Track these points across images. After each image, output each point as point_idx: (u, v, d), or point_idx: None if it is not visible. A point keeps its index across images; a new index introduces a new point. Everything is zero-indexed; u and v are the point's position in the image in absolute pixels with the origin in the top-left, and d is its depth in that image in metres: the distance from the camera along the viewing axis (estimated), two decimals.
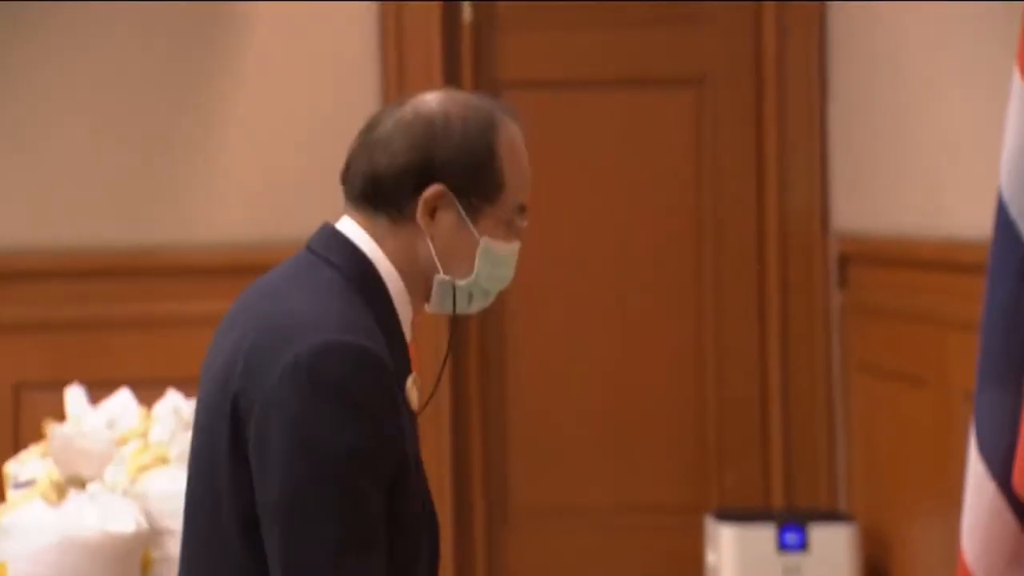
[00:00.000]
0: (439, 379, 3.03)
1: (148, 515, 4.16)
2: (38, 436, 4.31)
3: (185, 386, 4.54)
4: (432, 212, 2.81)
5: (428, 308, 2.91)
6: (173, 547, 4.16)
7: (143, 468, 4.24)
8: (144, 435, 4.32)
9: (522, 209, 2.90)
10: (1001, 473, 4.02)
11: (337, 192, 6.10)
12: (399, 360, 2.80)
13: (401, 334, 2.85)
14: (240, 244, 6.21)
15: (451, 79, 6.31)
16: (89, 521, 4.07)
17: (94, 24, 6.21)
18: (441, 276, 2.85)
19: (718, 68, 6.54)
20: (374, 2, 6.29)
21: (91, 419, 4.34)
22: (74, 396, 4.39)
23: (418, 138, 2.82)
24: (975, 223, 4.43)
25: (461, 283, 2.87)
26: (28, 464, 4.29)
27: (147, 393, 4.47)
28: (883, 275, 6.07)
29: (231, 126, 6.23)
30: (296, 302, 2.77)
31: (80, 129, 6.17)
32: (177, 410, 4.35)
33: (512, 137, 2.88)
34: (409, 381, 2.84)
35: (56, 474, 4.16)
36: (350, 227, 2.85)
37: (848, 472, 6.37)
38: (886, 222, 5.96)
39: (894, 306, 5.94)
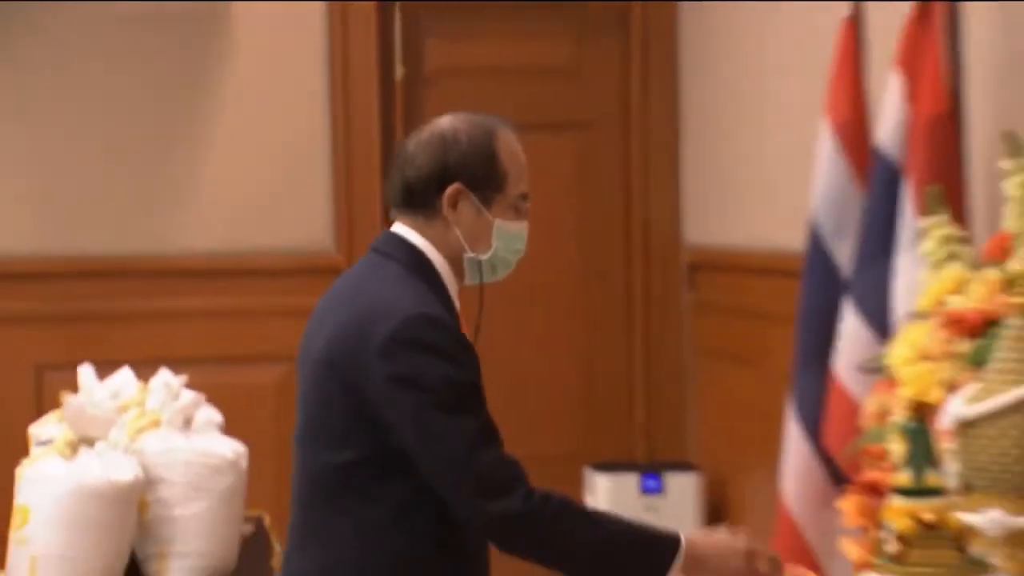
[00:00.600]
0: (477, 332, 3.12)
1: (144, 467, 4.13)
2: (56, 405, 4.28)
3: (174, 365, 4.52)
4: (454, 205, 2.98)
5: (465, 281, 3.08)
6: (164, 492, 4.15)
7: (140, 430, 4.21)
8: (141, 404, 4.29)
9: (524, 196, 3.08)
10: (812, 434, 4.08)
11: (300, 204, 6.07)
12: (454, 321, 3.00)
13: (451, 302, 3.03)
14: (218, 252, 6.17)
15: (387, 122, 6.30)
16: (96, 472, 4.04)
17: (82, 42, 6.14)
18: (469, 254, 3.02)
19: (596, 115, 6.53)
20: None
21: (98, 392, 4.31)
22: (85, 373, 4.37)
23: (436, 150, 2.99)
24: (794, 239, 4.46)
25: (484, 257, 3.04)
26: (47, 427, 4.26)
27: (144, 371, 4.44)
28: (722, 279, 6.10)
29: (211, 148, 6.17)
30: (377, 291, 2.96)
31: (85, 154, 6.10)
32: (167, 384, 4.32)
33: (508, 141, 3.05)
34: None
35: (70, 435, 4.13)
36: (401, 228, 3.04)
37: (696, 432, 6.39)
38: (725, 237, 5.99)
39: (730, 304, 5.96)
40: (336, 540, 2.95)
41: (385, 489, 2.90)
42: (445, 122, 3.04)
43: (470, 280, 3.06)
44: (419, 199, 3.00)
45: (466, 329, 3.04)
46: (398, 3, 6.33)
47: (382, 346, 2.82)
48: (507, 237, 3.04)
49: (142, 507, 4.13)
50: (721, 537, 2.93)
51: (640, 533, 2.90)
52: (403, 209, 3.03)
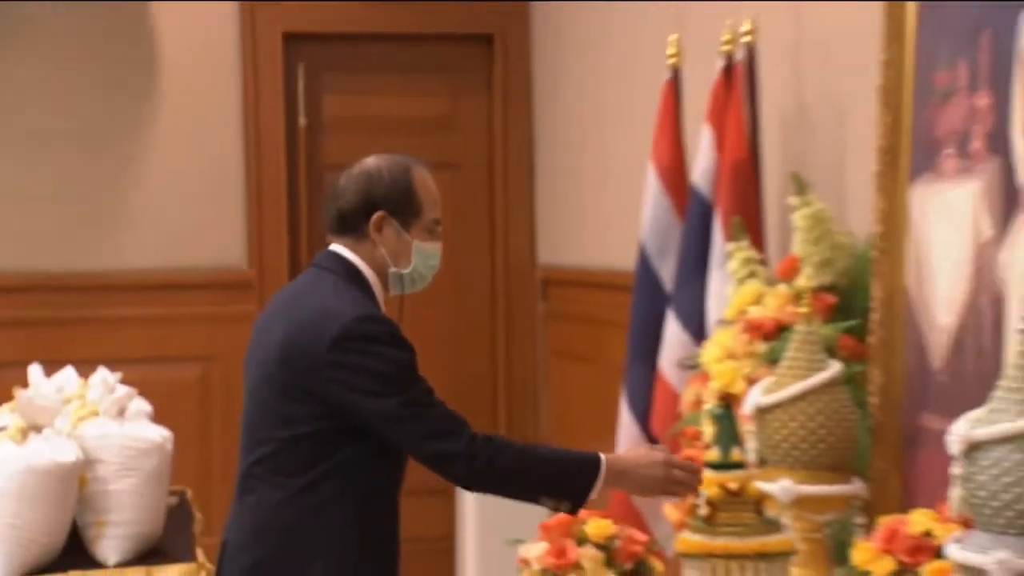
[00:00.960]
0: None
1: (84, 450, 4.08)
2: (9, 398, 4.22)
3: (110, 364, 4.48)
4: (380, 229, 3.01)
5: (390, 292, 3.10)
6: (101, 471, 4.11)
7: (81, 419, 4.16)
8: (82, 397, 4.24)
9: (437, 221, 3.10)
10: (641, 419, 4.11)
11: (219, 229, 6.00)
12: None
13: (380, 308, 3.05)
14: (148, 268, 6.13)
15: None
16: (44, 454, 3.98)
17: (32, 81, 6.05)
18: (393, 269, 3.05)
19: (466, 158, 6.55)
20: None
21: (45, 387, 4.27)
22: (34, 371, 4.33)
23: (363, 185, 3.03)
24: (626, 260, 4.45)
25: (406, 271, 3.07)
26: (2, 416, 4.20)
27: (85, 369, 4.40)
28: (569, 293, 6.10)
29: (145, 180, 6.12)
30: (322, 299, 2.98)
31: (36, 183, 6.03)
32: (105, 380, 4.28)
33: (422, 176, 3.08)
34: None
35: (21, 423, 4.07)
36: (337, 248, 3.06)
37: (548, 417, 6.42)
38: (571, 258, 6.01)
39: (575, 313, 5.97)
40: (266, 500, 2.97)
41: (318, 463, 2.91)
42: (370, 161, 3.08)
43: (394, 291, 3.09)
44: (350, 225, 3.03)
45: None
46: (302, 63, 6.31)
47: (335, 341, 2.86)
48: (424, 255, 3.07)
49: (82, 483, 4.09)
50: (640, 451, 2.98)
51: (568, 457, 2.96)
52: (338, 233, 3.06)
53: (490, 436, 2.89)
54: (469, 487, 2.98)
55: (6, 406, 4.24)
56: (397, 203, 3.03)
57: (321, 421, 2.89)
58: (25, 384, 4.27)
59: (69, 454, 4.03)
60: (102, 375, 4.32)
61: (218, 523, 5.50)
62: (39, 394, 4.19)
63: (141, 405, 4.32)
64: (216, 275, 6.18)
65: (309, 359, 2.87)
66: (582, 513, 3.05)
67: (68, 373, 4.37)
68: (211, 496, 5.81)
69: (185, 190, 6.15)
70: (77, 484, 4.07)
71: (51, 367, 4.43)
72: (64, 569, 4.00)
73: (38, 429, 4.08)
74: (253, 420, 3.04)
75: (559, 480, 2.89)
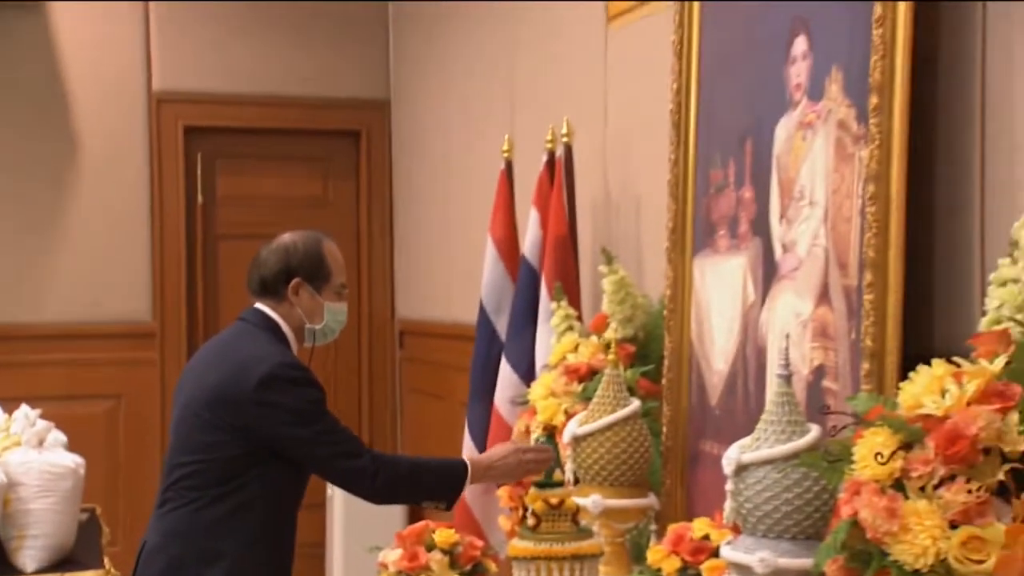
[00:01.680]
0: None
1: (7, 474, 3.98)
2: None
3: (31, 401, 4.36)
4: (296, 292, 3.00)
5: (304, 344, 3.08)
6: (22, 492, 4.01)
7: (5, 448, 4.06)
8: (6, 429, 4.14)
9: (343, 285, 3.10)
10: (480, 445, 4.06)
11: (126, 287, 5.86)
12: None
13: (294, 357, 3.03)
14: (63, 320, 6.00)
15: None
16: None
17: None
18: (308, 325, 3.03)
19: (337, 231, 6.50)
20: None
21: None
22: None
23: (281, 256, 3.01)
24: (469, 314, 4.45)
25: (318, 327, 3.05)
26: None
27: (9, 405, 4.28)
28: (421, 341, 6.10)
29: (62, 244, 6.00)
30: (248, 348, 2.94)
31: None
32: (26, 415, 4.18)
33: (331, 248, 3.08)
34: None
35: None
36: (260, 306, 3.02)
37: (404, 444, 6.38)
38: (423, 313, 6.02)
39: (426, 358, 5.99)
40: (180, 510, 2.93)
41: (229, 481, 2.88)
42: (287, 237, 3.07)
43: (308, 343, 3.07)
44: (271, 289, 3.01)
45: None
46: (200, 152, 6.25)
47: (260, 383, 2.84)
48: (334, 313, 3.06)
49: (6, 503, 3.98)
50: (497, 448, 3.05)
51: (443, 465, 3.05)
52: (260, 295, 3.04)
53: (382, 455, 2.96)
54: (372, 498, 2.99)
55: None
56: (311, 271, 3.02)
57: (236, 448, 2.86)
58: None
59: None
60: (24, 411, 4.22)
61: (122, 536, 5.44)
62: None
63: (58, 436, 4.22)
64: (124, 327, 6.06)
65: (237, 398, 2.85)
66: (431, 524, 3.06)
67: None
68: (117, 512, 5.68)
69: (98, 254, 6.03)
70: (2, 504, 3.96)
71: None
72: None
73: None
74: (174, 449, 2.99)
75: (438, 485, 2.96)
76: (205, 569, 2.87)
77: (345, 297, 3.12)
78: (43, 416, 4.22)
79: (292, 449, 2.87)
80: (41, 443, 4.12)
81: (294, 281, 3.00)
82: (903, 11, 2.29)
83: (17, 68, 5.88)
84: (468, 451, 4.14)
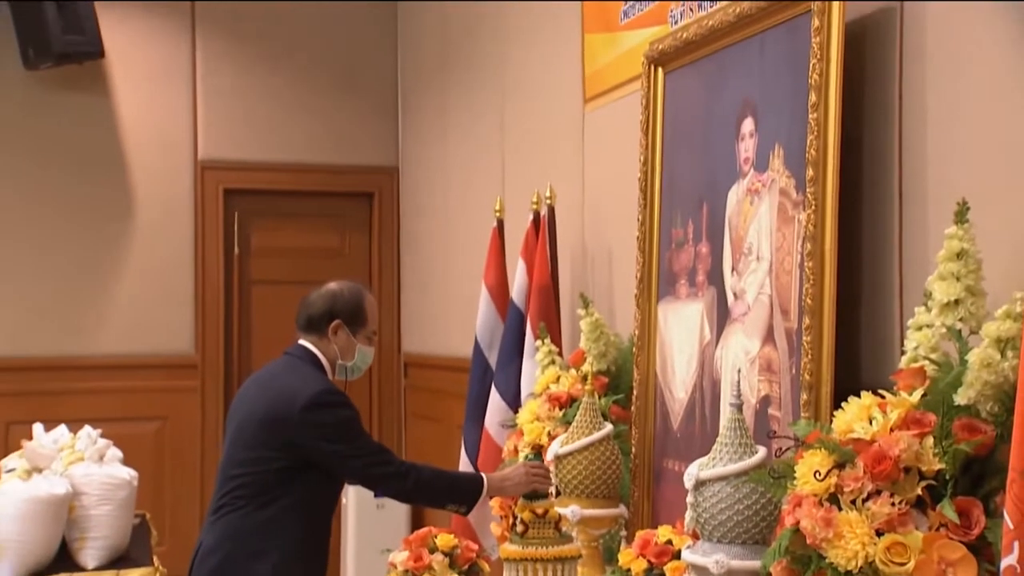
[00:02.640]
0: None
1: (73, 485, 3.97)
2: (18, 447, 4.09)
3: (93, 422, 4.36)
4: (336, 332, 3.01)
5: (336, 377, 3.08)
6: (85, 500, 4.00)
7: (71, 462, 4.04)
8: (72, 446, 4.12)
9: (375, 332, 3.12)
10: (474, 462, 4.00)
11: (172, 324, 5.83)
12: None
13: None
14: (117, 352, 5.98)
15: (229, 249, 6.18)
16: (43, 488, 3.86)
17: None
18: (340, 361, 3.04)
19: (351, 277, 6.51)
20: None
21: (44, 439, 4.14)
22: (36, 428, 4.20)
23: (327, 300, 3.04)
24: (465, 349, 4.44)
25: (348, 364, 3.07)
26: (12, 461, 4.06)
27: (74, 426, 4.27)
28: (423, 372, 6.06)
29: (117, 285, 5.98)
30: (295, 377, 2.95)
31: (34, 285, 5.85)
32: (89, 434, 4.17)
33: (370, 300, 3.11)
34: None
35: (26, 465, 3.95)
36: (304, 342, 3.04)
37: (408, 459, 6.32)
38: (425, 348, 5.98)
39: (427, 386, 5.95)
40: (233, 516, 2.92)
41: (274, 490, 2.89)
42: (335, 284, 3.11)
43: (338, 376, 3.08)
44: (315, 326, 3.03)
45: None
46: (237, 211, 6.25)
47: (306, 406, 2.85)
48: (363, 354, 3.09)
49: (71, 510, 3.97)
50: (508, 468, 3.02)
51: (464, 477, 3.10)
52: (305, 331, 3.05)
53: (411, 463, 2.97)
54: (404, 497, 3.03)
55: (15, 453, 4.11)
56: (350, 316, 3.04)
57: (281, 462, 2.86)
58: (29, 437, 4.15)
59: (61, 488, 3.92)
60: (87, 431, 4.21)
61: (168, 537, 5.41)
62: (40, 444, 4.06)
63: (115, 452, 4.21)
64: (170, 359, 6.03)
65: (285, 418, 2.85)
66: (433, 529, 3.05)
67: (61, 429, 4.25)
68: (164, 518, 5.65)
69: (149, 295, 6.01)
70: (67, 510, 3.95)
71: (49, 425, 4.30)
72: (56, 572, 3.87)
73: (39, 470, 3.96)
74: (227, 463, 2.98)
75: (460, 493, 2.97)
76: (254, 564, 2.87)
77: (374, 343, 3.14)
78: (102, 435, 4.21)
79: (333, 461, 2.89)
80: (101, 458, 4.11)
81: (335, 322, 3.02)
82: (834, 99, 2.33)
83: (80, 127, 5.88)
84: (464, 468, 4.09)
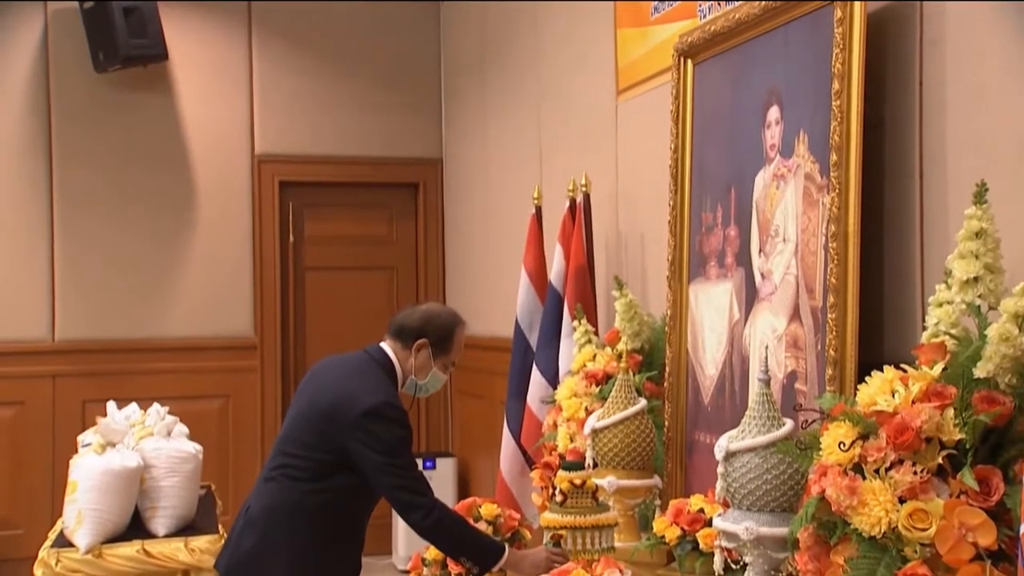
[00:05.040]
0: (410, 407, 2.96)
1: (143, 459, 4.02)
2: (93, 423, 4.14)
3: (161, 400, 4.43)
4: (419, 349, 2.89)
5: (402, 390, 2.94)
6: (155, 472, 4.05)
7: (142, 437, 4.09)
8: (142, 423, 4.17)
9: (453, 363, 2.98)
10: (516, 436, 4.04)
11: (233, 309, 5.88)
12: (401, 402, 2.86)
13: (397, 393, 2.89)
14: (183, 335, 6.03)
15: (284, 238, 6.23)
16: (116, 462, 3.92)
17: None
18: (412, 377, 2.91)
19: (399, 264, 6.55)
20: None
21: (117, 416, 4.19)
22: (110, 405, 4.24)
23: (423, 318, 2.91)
24: (507, 330, 4.43)
25: (420, 382, 2.93)
26: (88, 436, 4.12)
27: (144, 403, 4.33)
28: (467, 352, 5.92)
29: (184, 272, 6.04)
30: (365, 380, 2.83)
31: (112, 275, 5.91)
32: (158, 411, 4.22)
33: (461, 333, 2.96)
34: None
35: (101, 440, 4.00)
36: (386, 346, 2.92)
37: (454, 435, 6.36)
38: (469, 329, 5.91)
39: (472, 365, 5.82)
40: (280, 491, 2.86)
41: (319, 479, 2.82)
42: (437, 307, 3.04)
43: (406, 389, 2.96)
44: (404, 336, 2.91)
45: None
46: (291, 202, 6.28)
47: (363, 413, 2.74)
48: (436, 379, 2.97)
49: (142, 481, 4.02)
50: (530, 549, 2.87)
51: (486, 540, 2.83)
52: (393, 337, 2.94)
53: (441, 505, 2.78)
54: (418, 531, 2.78)
55: (91, 429, 4.17)
56: (438, 340, 2.93)
57: (329, 455, 2.79)
58: (103, 414, 4.20)
59: (133, 461, 3.97)
60: (156, 408, 4.26)
61: (232, 507, 5.46)
62: (113, 421, 4.11)
63: (182, 428, 4.26)
64: (231, 341, 6.07)
65: (343, 419, 2.76)
66: (478, 500, 3.04)
67: (133, 407, 4.30)
68: (227, 489, 5.72)
69: (212, 282, 6.05)
70: (138, 482, 4.00)
71: (121, 403, 4.35)
72: (130, 539, 3.93)
73: (113, 444, 4.01)
74: (285, 438, 2.91)
75: (477, 552, 2.78)
76: (292, 539, 2.82)
77: (449, 372, 3.02)
78: (170, 412, 4.26)
79: (369, 470, 2.76)
80: (169, 433, 4.15)
81: (421, 340, 2.91)
82: (856, 87, 2.30)
83: (146, 125, 5.94)
84: (506, 442, 4.10)
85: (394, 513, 6.04)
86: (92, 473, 3.86)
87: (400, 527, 5.91)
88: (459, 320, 3.00)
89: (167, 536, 3.98)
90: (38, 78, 5.79)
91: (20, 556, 5.35)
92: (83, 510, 3.83)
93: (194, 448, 4.16)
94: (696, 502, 2.54)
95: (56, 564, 3.80)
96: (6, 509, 5.72)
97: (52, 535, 4.07)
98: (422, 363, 2.92)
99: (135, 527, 3.99)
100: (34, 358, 5.78)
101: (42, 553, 3.89)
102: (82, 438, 4.18)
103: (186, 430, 4.27)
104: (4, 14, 5.76)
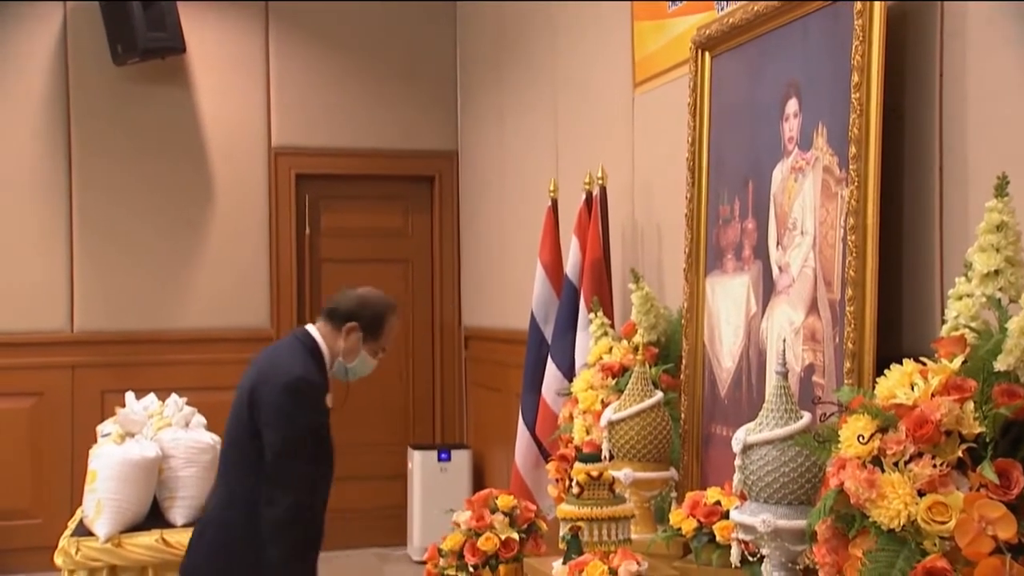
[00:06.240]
0: (344, 399, 3.09)
1: (162, 449, 4.04)
2: (112, 413, 4.17)
3: (179, 391, 4.44)
4: (349, 332, 2.90)
5: (331, 372, 2.95)
6: (173, 463, 4.08)
7: (160, 428, 4.12)
8: (160, 413, 4.20)
9: (384, 349, 2.99)
10: (531, 429, 4.04)
11: (250, 302, 5.89)
12: (324, 384, 2.87)
13: (327, 377, 2.89)
14: (201, 327, 6.07)
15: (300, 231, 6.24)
16: (135, 451, 3.94)
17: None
18: (340, 359, 2.91)
19: (415, 256, 6.56)
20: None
21: (136, 406, 4.22)
22: (128, 396, 4.28)
23: (355, 302, 2.93)
24: (522, 322, 4.42)
25: (348, 365, 2.94)
26: (107, 426, 4.14)
27: (162, 395, 4.35)
28: (483, 344, 6.09)
29: (200, 267, 6.06)
30: (284, 358, 2.84)
31: (129, 271, 5.94)
32: (176, 402, 4.25)
33: (394, 320, 2.99)
34: (328, 396, 2.89)
35: (120, 430, 4.02)
36: (313, 328, 2.92)
37: (469, 427, 6.38)
38: (484, 322, 6.00)
39: (487, 358, 5.96)
40: (236, 487, 2.86)
41: (258, 469, 2.79)
42: (371, 290, 3.03)
43: (336, 373, 2.95)
44: (335, 319, 2.94)
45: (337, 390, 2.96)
46: (307, 194, 6.30)
47: (279, 389, 2.74)
48: (364, 363, 2.98)
49: (160, 471, 4.05)
50: None
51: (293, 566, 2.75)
52: (325, 318, 2.96)
53: (308, 522, 2.70)
54: (268, 518, 2.73)
55: (110, 419, 4.19)
56: (369, 324, 2.95)
57: (259, 437, 2.76)
58: (122, 404, 4.23)
59: (151, 451, 3.99)
60: (174, 399, 4.28)
61: None
62: (132, 411, 4.15)
63: (199, 418, 4.28)
64: (248, 332, 6.11)
65: (262, 394, 2.76)
66: (494, 491, 3.04)
67: (151, 397, 4.33)
68: None
69: (228, 274, 6.10)
70: (157, 472, 4.02)
71: (140, 393, 4.38)
72: (148, 528, 3.95)
73: (131, 435, 4.04)
74: (224, 436, 2.91)
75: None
76: (256, 533, 2.75)
77: (379, 359, 3.01)
78: (187, 403, 4.28)
79: (268, 436, 2.72)
80: (187, 424, 4.18)
81: (352, 323, 2.92)
82: (875, 79, 2.28)
83: (164, 117, 5.98)
84: (521, 434, 4.10)
85: (409, 503, 6.10)
86: (111, 463, 3.88)
87: (416, 518, 5.93)
88: (392, 306, 3.02)
89: (185, 526, 3.99)
90: (57, 71, 5.82)
91: (40, 545, 5.38)
92: (102, 499, 3.85)
93: (212, 439, 4.18)
94: (713, 494, 2.53)
95: (76, 553, 3.83)
96: (26, 499, 5.77)
97: (72, 524, 4.10)
98: (351, 346, 2.94)
99: (153, 516, 4.02)
100: (53, 349, 5.82)
101: (62, 542, 3.92)
102: (101, 428, 4.21)
103: (204, 421, 4.29)
104: (24, 7, 5.78)
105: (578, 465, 2.75)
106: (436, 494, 5.81)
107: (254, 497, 2.75)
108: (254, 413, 2.78)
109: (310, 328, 2.95)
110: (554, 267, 4.11)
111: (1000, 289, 1.80)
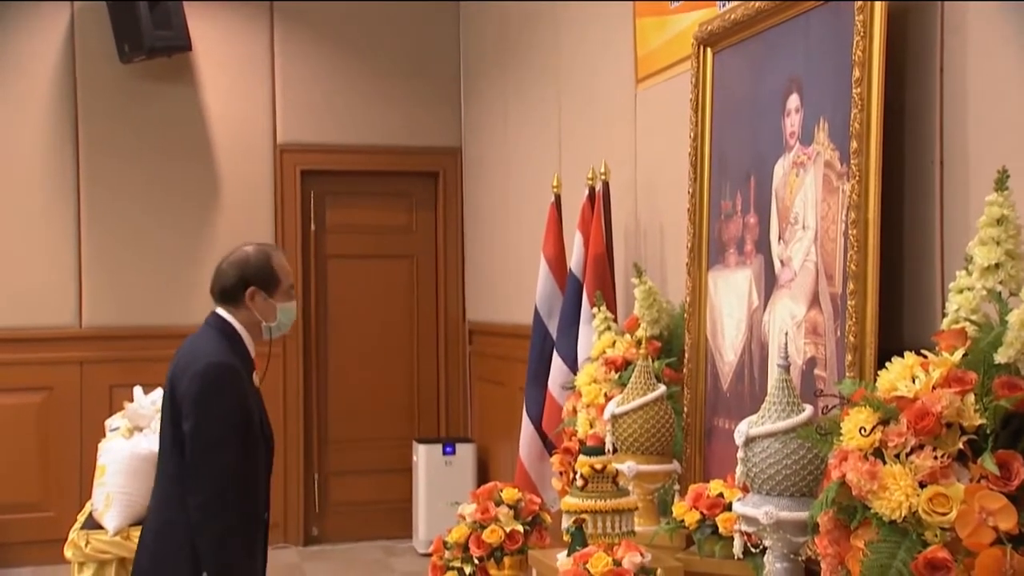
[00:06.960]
0: (266, 370, 2.95)
1: None
2: (120, 408, 4.17)
3: None
4: (252, 298, 2.80)
5: (262, 338, 2.86)
6: None
7: None
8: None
9: (291, 286, 2.87)
10: (535, 422, 4.04)
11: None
12: (247, 366, 2.80)
13: (248, 355, 2.81)
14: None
15: (305, 226, 6.23)
16: (143, 445, 3.94)
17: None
18: (264, 324, 2.82)
19: (419, 252, 6.56)
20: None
21: (143, 400, 4.22)
22: (136, 390, 4.28)
23: (238, 268, 2.82)
24: (526, 317, 4.43)
25: (272, 324, 2.84)
26: (115, 420, 4.15)
27: None
28: (487, 339, 6.10)
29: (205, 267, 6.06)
30: (199, 346, 2.76)
31: (127, 269, 5.93)
32: None
33: (279, 259, 2.87)
34: (254, 375, 2.84)
35: (128, 425, 4.03)
36: (220, 311, 2.84)
37: (473, 421, 6.38)
38: (488, 316, 6.01)
39: (491, 352, 5.97)
40: (167, 485, 2.79)
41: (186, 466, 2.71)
42: (243, 250, 2.88)
43: (264, 337, 2.86)
44: (231, 296, 2.84)
45: (260, 365, 2.89)
46: (313, 191, 6.31)
47: (191, 377, 2.69)
48: (285, 312, 2.87)
49: None
50: None
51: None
52: (221, 302, 2.86)
53: (229, 521, 2.64)
54: (196, 510, 2.66)
55: (118, 414, 4.20)
56: (263, 280, 2.83)
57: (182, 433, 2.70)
58: (130, 399, 4.23)
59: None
60: None
61: None
62: (140, 405, 4.15)
63: None
64: None
65: (178, 388, 2.72)
66: (499, 484, 3.04)
67: (158, 392, 4.32)
68: None
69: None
70: None
71: (147, 388, 4.38)
72: None
73: (140, 429, 4.04)
74: (160, 427, 2.85)
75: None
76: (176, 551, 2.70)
77: (293, 296, 2.91)
78: None
79: (188, 429, 2.66)
80: None
81: (250, 289, 2.82)
82: (876, 74, 2.28)
83: (170, 115, 5.99)
84: (526, 428, 4.10)
85: (415, 497, 6.12)
86: (120, 457, 3.89)
87: (421, 511, 5.93)
88: (270, 248, 2.91)
89: None
90: (65, 68, 5.82)
91: (50, 538, 5.40)
92: (112, 493, 3.86)
93: None
94: (716, 487, 2.53)
95: (86, 545, 3.84)
96: (36, 492, 5.78)
97: (81, 517, 4.10)
98: (263, 308, 2.83)
99: None
100: (62, 344, 5.83)
101: (72, 535, 3.93)
102: (110, 423, 4.22)
103: None
104: (32, 7, 5.78)
105: (582, 458, 2.75)
106: (441, 487, 5.82)
107: (184, 493, 2.68)
108: (174, 406, 2.72)
109: (219, 310, 2.85)
110: (558, 262, 4.11)
111: (1000, 282, 1.79)
